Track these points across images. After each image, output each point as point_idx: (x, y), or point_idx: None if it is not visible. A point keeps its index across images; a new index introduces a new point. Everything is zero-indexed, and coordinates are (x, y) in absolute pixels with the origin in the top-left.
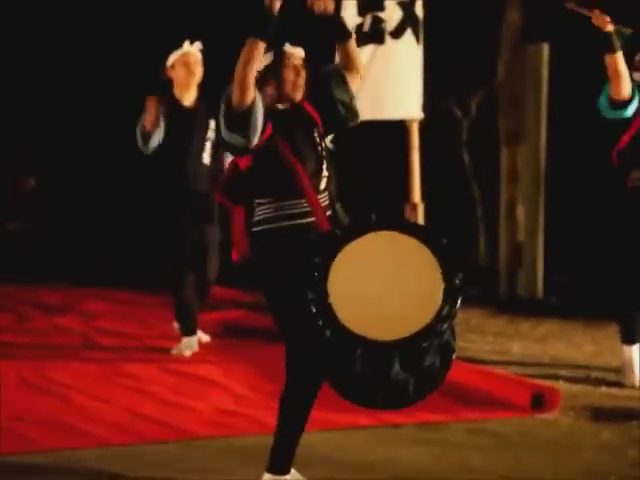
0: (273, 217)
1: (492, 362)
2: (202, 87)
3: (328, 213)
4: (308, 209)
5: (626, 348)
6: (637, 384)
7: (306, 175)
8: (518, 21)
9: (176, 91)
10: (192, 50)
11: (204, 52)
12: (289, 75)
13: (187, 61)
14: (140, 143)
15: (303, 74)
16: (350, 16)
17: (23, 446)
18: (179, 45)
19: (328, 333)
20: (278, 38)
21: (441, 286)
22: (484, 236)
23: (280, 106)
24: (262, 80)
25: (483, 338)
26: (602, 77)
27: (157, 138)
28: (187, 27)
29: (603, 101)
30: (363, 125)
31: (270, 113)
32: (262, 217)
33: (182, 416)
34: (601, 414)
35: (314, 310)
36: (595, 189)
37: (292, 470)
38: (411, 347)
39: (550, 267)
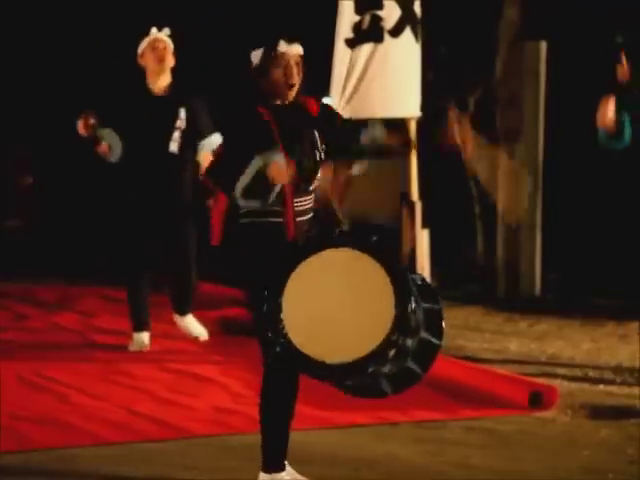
0: (257, 211)
1: (490, 360)
2: (175, 74)
3: (309, 215)
4: (280, 209)
5: None
6: None
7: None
8: (516, 19)
9: (148, 79)
10: (160, 36)
11: (176, 39)
12: (278, 75)
13: (156, 47)
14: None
15: (296, 72)
16: (347, 14)
17: (21, 444)
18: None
19: (278, 348)
20: (273, 34)
21: (392, 314)
22: (482, 234)
23: (278, 102)
24: (257, 75)
25: (481, 336)
26: (599, 76)
27: (115, 155)
28: (170, 17)
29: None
30: (362, 123)
31: (269, 106)
32: (240, 210)
33: (179, 414)
34: (599, 412)
35: (267, 322)
36: (593, 187)
37: (290, 469)
38: (356, 371)
39: (548, 265)
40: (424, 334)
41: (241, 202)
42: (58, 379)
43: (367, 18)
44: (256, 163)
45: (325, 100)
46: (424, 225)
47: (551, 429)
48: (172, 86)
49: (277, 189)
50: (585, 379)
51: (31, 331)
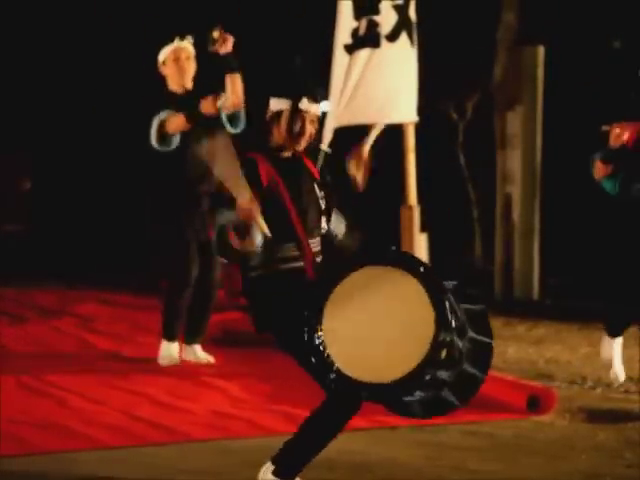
0: (268, 260)
1: None
2: (196, 80)
3: (319, 259)
4: (298, 253)
5: (610, 341)
6: (621, 379)
7: (300, 221)
8: (514, 23)
9: (170, 86)
10: (183, 45)
11: (197, 45)
12: (292, 129)
13: (178, 57)
14: (156, 143)
15: (311, 130)
16: (346, 17)
17: (20, 448)
18: (171, 40)
19: (333, 385)
20: (298, 88)
21: (432, 314)
22: (480, 238)
23: (284, 154)
24: (272, 122)
25: None
26: (596, 81)
27: (177, 140)
28: (180, 21)
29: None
30: (359, 128)
31: (274, 159)
32: (257, 261)
33: (178, 418)
34: (597, 416)
35: (314, 361)
36: (590, 191)
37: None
38: (414, 382)
39: (545, 269)
40: (472, 334)
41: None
42: (57, 383)
43: (364, 23)
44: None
45: (323, 105)
46: (422, 229)
47: (549, 433)
48: (194, 90)
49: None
50: (583, 383)
51: (30, 335)
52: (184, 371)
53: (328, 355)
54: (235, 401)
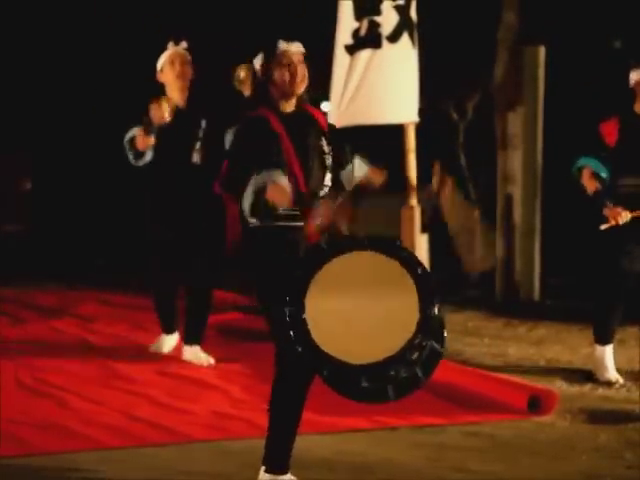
0: (277, 215)
1: (489, 365)
2: (193, 86)
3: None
4: (299, 213)
5: (600, 348)
6: (614, 378)
7: (304, 181)
8: (515, 23)
9: (168, 93)
10: (178, 50)
11: (193, 51)
12: (283, 75)
13: (174, 62)
14: (131, 158)
15: (301, 70)
16: (347, 18)
17: (20, 449)
18: (165, 47)
19: (299, 348)
20: (270, 36)
21: (416, 317)
22: (480, 238)
23: (288, 109)
24: (263, 79)
25: (480, 341)
26: (597, 81)
27: (149, 156)
28: (176, 27)
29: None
30: (360, 128)
31: (279, 115)
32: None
33: (178, 419)
34: (598, 417)
35: (288, 322)
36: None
37: (289, 475)
38: (378, 372)
39: (546, 270)
40: (431, 341)
41: (250, 220)
42: (57, 384)
43: (365, 24)
44: (255, 182)
45: (324, 105)
46: (423, 229)
47: (550, 434)
48: (191, 97)
49: (282, 209)
50: (584, 384)
51: (29, 335)
52: (184, 371)
53: (304, 319)
54: (235, 401)
